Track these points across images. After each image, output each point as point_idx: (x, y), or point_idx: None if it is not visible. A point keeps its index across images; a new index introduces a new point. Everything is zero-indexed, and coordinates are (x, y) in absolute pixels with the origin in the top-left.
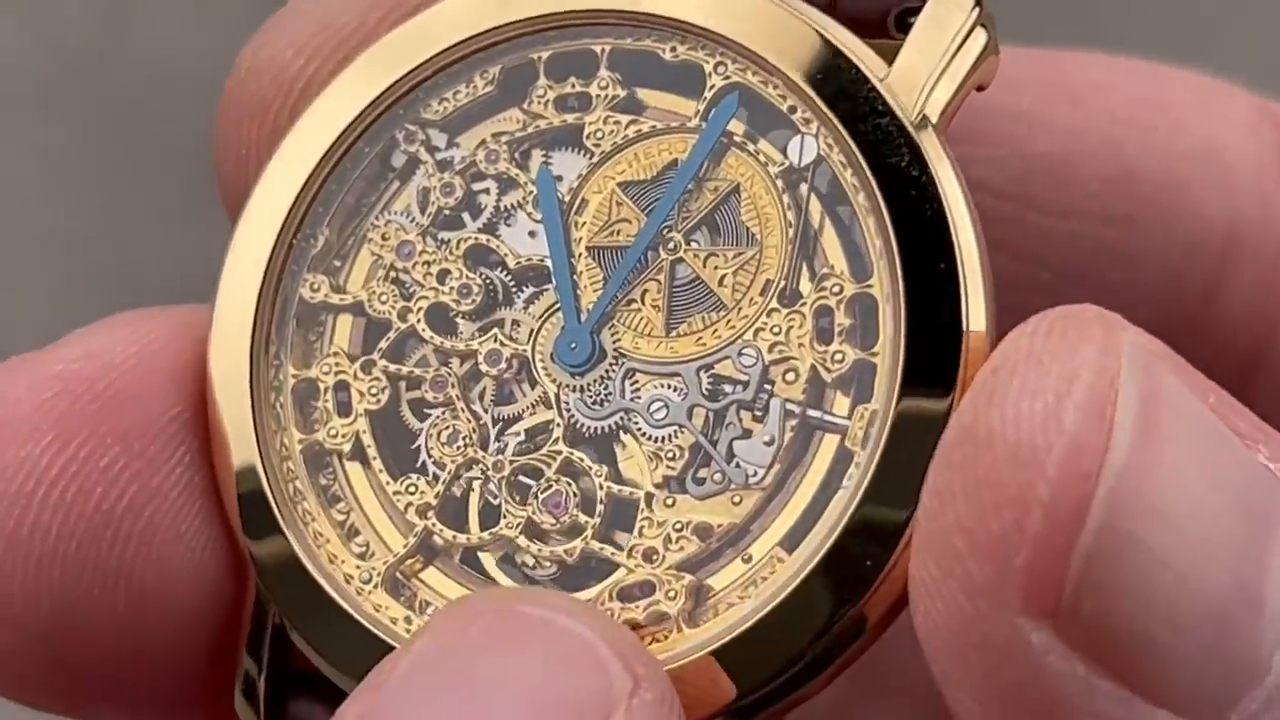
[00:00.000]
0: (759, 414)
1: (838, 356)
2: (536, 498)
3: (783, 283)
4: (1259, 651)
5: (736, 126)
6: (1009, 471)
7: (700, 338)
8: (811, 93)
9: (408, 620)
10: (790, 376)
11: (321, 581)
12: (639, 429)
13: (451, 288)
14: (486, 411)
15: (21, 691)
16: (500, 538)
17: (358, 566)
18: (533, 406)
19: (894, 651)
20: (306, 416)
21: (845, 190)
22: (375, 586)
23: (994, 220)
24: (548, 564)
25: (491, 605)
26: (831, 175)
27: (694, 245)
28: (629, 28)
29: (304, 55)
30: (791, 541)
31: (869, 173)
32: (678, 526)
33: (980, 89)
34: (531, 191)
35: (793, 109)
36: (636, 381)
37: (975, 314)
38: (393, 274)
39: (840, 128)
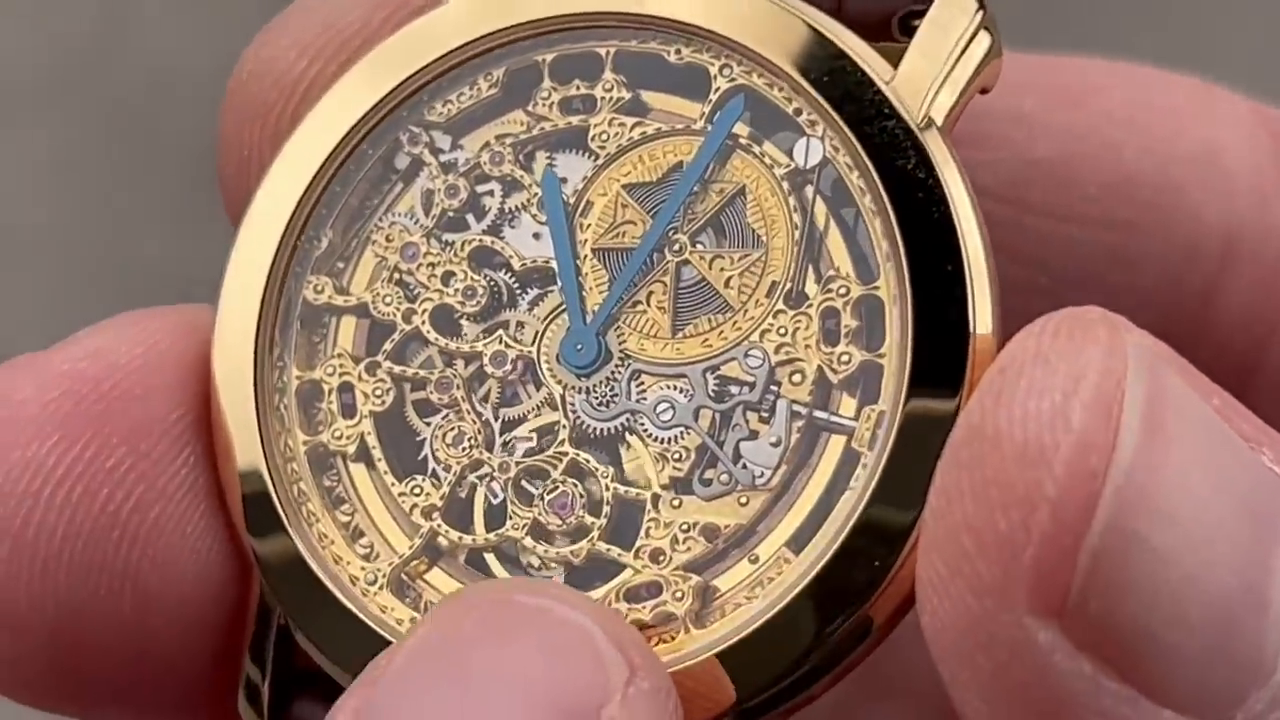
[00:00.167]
0: (765, 415)
1: (844, 358)
2: (543, 499)
3: (789, 284)
4: (1264, 652)
5: (742, 129)
6: (1017, 470)
7: (706, 339)
8: (817, 95)
9: (413, 621)
10: (796, 378)
11: (326, 582)
12: (645, 430)
13: (456, 289)
14: (492, 413)
15: (27, 693)
16: (506, 539)
17: (363, 568)
18: (538, 408)
19: (898, 653)
20: (311, 418)
21: (851, 192)
22: (380, 587)
23: (993, 224)
24: (554, 565)
25: (487, 596)
26: (837, 177)
27: (700, 247)
28: (634, 30)
29: (307, 56)
30: (798, 542)
31: (875, 175)
32: (684, 527)
33: (984, 92)
34: (536, 193)
35: (798, 111)
36: (643, 383)
37: (982, 316)
38: (397, 276)
39: (846, 130)
